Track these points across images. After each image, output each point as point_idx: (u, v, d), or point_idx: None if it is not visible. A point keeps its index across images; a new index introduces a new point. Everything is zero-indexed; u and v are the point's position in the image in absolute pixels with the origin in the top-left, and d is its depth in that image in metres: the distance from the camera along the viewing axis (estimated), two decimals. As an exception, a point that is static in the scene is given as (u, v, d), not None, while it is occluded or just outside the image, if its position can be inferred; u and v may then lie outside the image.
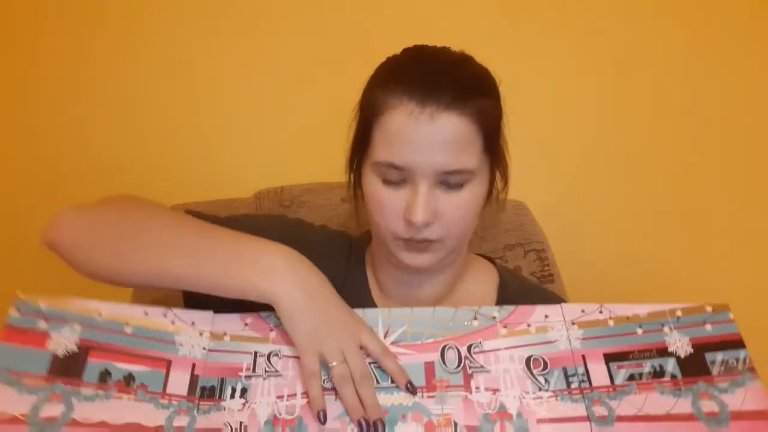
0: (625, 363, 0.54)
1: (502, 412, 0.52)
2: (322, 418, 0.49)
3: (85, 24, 1.08)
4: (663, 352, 0.54)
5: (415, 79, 0.57)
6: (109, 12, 1.09)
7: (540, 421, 0.51)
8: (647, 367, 0.54)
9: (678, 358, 0.54)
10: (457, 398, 0.52)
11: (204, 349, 0.55)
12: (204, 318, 0.57)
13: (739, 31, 1.09)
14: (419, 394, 0.53)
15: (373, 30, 1.08)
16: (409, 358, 0.55)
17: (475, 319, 0.58)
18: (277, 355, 0.55)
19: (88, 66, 1.11)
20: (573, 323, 0.58)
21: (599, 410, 0.52)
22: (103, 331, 0.51)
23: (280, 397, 0.52)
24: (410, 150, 0.57)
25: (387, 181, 0.60)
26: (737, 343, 0.54)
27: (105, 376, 0.49)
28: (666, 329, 0.56)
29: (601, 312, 0.58)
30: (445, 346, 0.56)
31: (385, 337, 0.56)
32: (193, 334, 0.55)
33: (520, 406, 0.52)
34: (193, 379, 0.53)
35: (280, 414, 0.51)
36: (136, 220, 0.60)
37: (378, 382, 0.53)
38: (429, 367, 0.55)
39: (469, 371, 0.54)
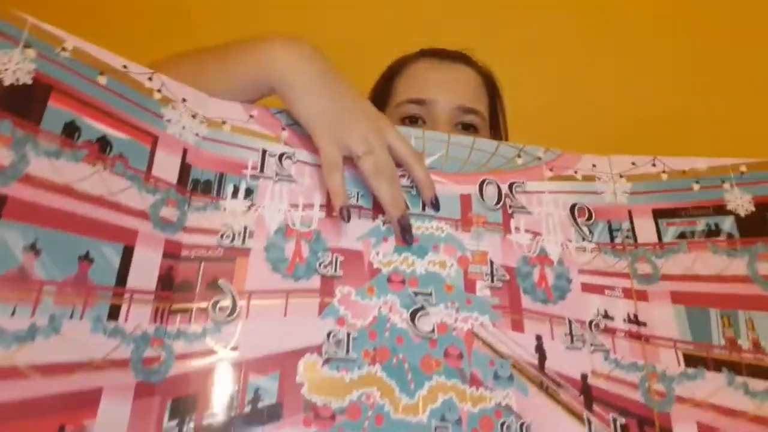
0: (676, 220, 0.50)
1: (543, 257, 0.46)
2: (345, 214, 0.41)
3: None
4: (720, 209, 0.50)
5: (430, 50, 0.69)
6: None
7: (582, 271, 0.46)
8: (701, 225, 0.49)
9: (737, 216, 0.49)
10: (495, 236, 0.46)
11: (197, 135, 0.43)
12: (198, 98, 0.45)
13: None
14: (453, 227, 0.46)
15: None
16: (443, 187, 0.47)
17: (519, 156, 0.50)
18: (290, 158, 0.45)
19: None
20: (621, 176, 0.52)
21: (643, 267, 0.48)
22: (69, 71, 0.38)
23: (294, 206, 0.43)
24: (432, 86, 0.63)
25: (405, 120, 0.63)
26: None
27: (72, 131, 0.36)
28: (726, 185, 0.50)
29: (654, 165, 0.53)
30: (484, 180, 0.48)
31: (417, 159, 0.48)
32: (184, 113, 0.43)
33: (562, 253, 0.47)
34: (185, 167, 0.42)
35: (294, 224, 0.43)
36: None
37: (407, 207, 0.45)
38: (465, 200, 0.47)
39: (510, 210, 0.48)
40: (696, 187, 0.50)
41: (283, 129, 0.46)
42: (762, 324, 0.44)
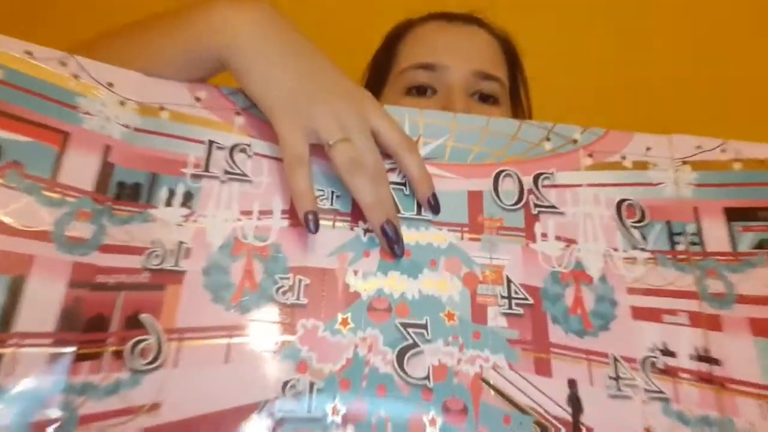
0: (754, 224, 0.38)
1: (579, 272, 0.35)
2: (312, 223, 0.32)
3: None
4: None
5: (439, 13, 0.58)
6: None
7: (632, 291, 0.35)
8: None
9: None
10: (514, 246, 0.35)
11: (126, 127, 0.34)
12: (129, 80, 0.36)
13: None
14: (458, 235, 0.35)
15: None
16: (446, 183, 0.37)
17: (548, 139, 0.39)
18: (244, 150, 0.36)
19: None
20: (684, 162, 0.40)
21: (715, 285, 0.36)
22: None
23: (247, 214, 0.34)
24: (443, 49, 0.52)
25: (411, 91, 0.52)
26: None
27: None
28: None
29: (723, 150, 0.40)
30: (501, 172, 0.37)
31: (412, 147, 0.37)
32: (109, 101, 0.34)
33: (605, 266, 0.36)
34: (106, 168, 0.33)
35: (245, 237, 0.33)
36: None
37: (399, 211, 0.35)
38: (475, 198, 0.36)
39: (534, 211, 0.36)
40: None
41: (238, 114, 0.37)
42: None
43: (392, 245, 0.33)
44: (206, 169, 0.34)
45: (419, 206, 0.35)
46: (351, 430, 0.29)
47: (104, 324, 0.30)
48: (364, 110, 0.34)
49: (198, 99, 0.37)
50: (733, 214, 0.38)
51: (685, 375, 0.33)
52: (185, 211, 0.33)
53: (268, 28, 0.34)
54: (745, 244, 0.37)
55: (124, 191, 0.33)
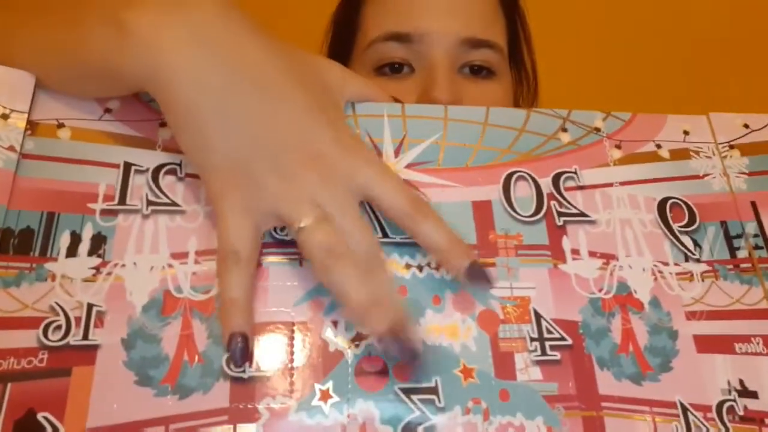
0: (830, 219, 0.31)
1: (625, 296, 0.28)
2: (238, 351, 0.23)
3: None
4: None
5: None
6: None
7: (690, 315, 0.28)
8: None
9: None
10: (539, 269, 0.28)
11: (12, 150, 0.26)
12: (16, 86, 0.27)
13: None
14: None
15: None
16: (444, 193, 0.29)
17: (564, 130, 0.32)
18: (174, 172, 0.28)
19: None
20: (731, 146, 0.33)
21: (791, 298, 0.29)
22: None
23: (180, 257, 0.26)
24: (419, 10, 0.42)
25: (383, 70, 0.43)
26: None
27: None
28: None
29: (776, 130, 0.34)
30: (512, 174, 0.30)
31: (396, 156, 0.30)
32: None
33: (656, 287, 0.28)
34: (-15, 211, 0.25)
35: (180, 290, 0.25)
36: None
37: (387, 235, 0.28)
38: (482, 210, 0.29)
39: (559, 221, 0.29)
40: None
41: (163, 125, 0.29)
42: None
43: (414, 364, 0.24)
44: (122, 202, 0.26)
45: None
46: None
47: (-18, 434, 0.21)
48: (349, 174, 0.25)
49: (108, 110, 0.28)
50: (802, 207, 0.32)
51: (772, 421, 0.26)
52: (95, 261, 0.25)
53: (208, 48, 0.23)
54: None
55: (12, 241, 0.25)
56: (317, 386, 0.24)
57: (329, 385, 0.24)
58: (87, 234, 0.25)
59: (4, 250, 0.25)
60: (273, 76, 0.24)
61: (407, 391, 0.24)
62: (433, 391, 0.25)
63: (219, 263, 0.24)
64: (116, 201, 0.26)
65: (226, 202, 0.24)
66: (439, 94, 0.39)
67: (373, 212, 0.28)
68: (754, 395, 0.27)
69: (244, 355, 0.23)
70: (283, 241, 0.27)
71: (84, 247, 0.25)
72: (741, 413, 0.26)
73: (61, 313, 0.24)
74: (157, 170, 0.27)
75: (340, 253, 0.23)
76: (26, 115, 0.27)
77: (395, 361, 0.24)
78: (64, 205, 0.26)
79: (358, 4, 0.47)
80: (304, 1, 0.59)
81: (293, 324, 0.25)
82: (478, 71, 0.43)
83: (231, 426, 0.23)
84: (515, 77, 0.49)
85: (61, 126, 0.28)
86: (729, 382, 0.27)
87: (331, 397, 0.24)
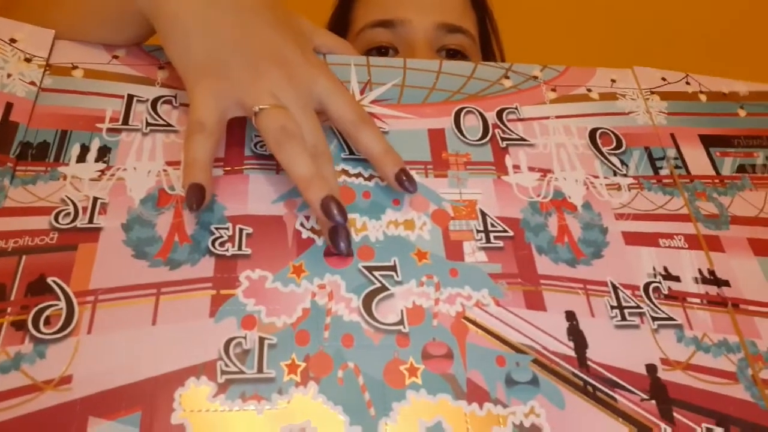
0: (730, 150, 0.37)
1: (560, 201, 0.33)
2: (194, 198, 0.27)
3: None
4: None
5: None
6: None
7: (619, 216, 0.33)
8: (761, 158, 0.37)
9: None
10: (485, 179, 0.33)
11: (33, 85, 0.31)
12: (37, 37, 0.33)
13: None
14: (423, 174, 0.32)
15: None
16: (403, 123, 0.34)
17: (507, 78, 0.38)
18: (169, 102, 0.33)
19: None
20: (652, 92, 0.39)
21: (706, 207, 0.34)
22: None
23: (174, 164, 0.31)
24: (402, 2, 0.49)
25: (372, 52, 0.49)
26: None
27: None
28: None
29: (688, 83, 0.40)
30: (461, 110, 0.36)
31: (362, 94, 0.35)
32: (11, 58, 0.32)
33: (588, 194, 0.33)
34: (8, 128, 0.30)
35: (173, 188, 0.30)
36: None
37: (351, 153, 0.33)
38: (436, 136, 0.34)
39: (502, 144, 0.34)
40: (742, 112, 0.39)
41: (161, 68, 0.34)
42: None
43: (337, 235, 0.28)
44: (125, 122, 0.31)
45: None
46: (314, 388, 0.25)
47: (2, 293, 0.25)
48: (308, 81, 0.30)
49: (116, 57, 0.34)
50: (709, 141, 0.37)
51: (693, 299, 0.31)
52: (100, 165, 0.30)
53: None
54: (726, 168, 0.36)
55: (30, 151, 0.30)
56: (291, 262, 0.28)
57: (302, 262, 0.28)
58: (94, 146, 0.30)
59: (23, 158, 0.29)
60: (251, 2, 0.30)
61: (369, 269, 0.29)
62: (392, 268, 0.29)
63: (186, 134, 0.28)
64: (120, 122, 0.31)
65: (198, 86, 0.28)
66: None
67: (339, 135, 0.33)
68: (677, 279, 0.31)
69: (200, 201, 0.26)
70: (262, 155, 0.32)
71: (91, 155, 0.30)
72: (666, 292, 0.30)
73: (70, 204, 0.28)
74: (155, 100, 0.32)
75: (292, 132, 0.28)
76: (45, 60, 0.32)
77: (336, 235, 0.28)
78: (75, 125, 0.31)
79: (350, 2, 0.54)
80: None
81: (271, 218, 0.29)
82: (453, 54, 0.49)
83: (215, 291, 0.27)
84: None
85: (75, 67, 0.33)
86: (654, 268, 0.31)
87: (303, 272, 0.28)
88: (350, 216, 0.30)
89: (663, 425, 0.26)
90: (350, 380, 0.25)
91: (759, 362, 0.29)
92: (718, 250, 0.33)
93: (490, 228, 0.31)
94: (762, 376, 0.29)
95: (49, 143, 0.30)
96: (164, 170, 0.30)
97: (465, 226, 0.31)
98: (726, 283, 0.31)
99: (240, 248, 0.28)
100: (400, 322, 0.27)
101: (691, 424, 0.27)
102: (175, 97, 0.33)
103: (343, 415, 0.24)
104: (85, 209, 0.28)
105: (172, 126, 0.32)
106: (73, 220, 0.28)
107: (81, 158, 0.30)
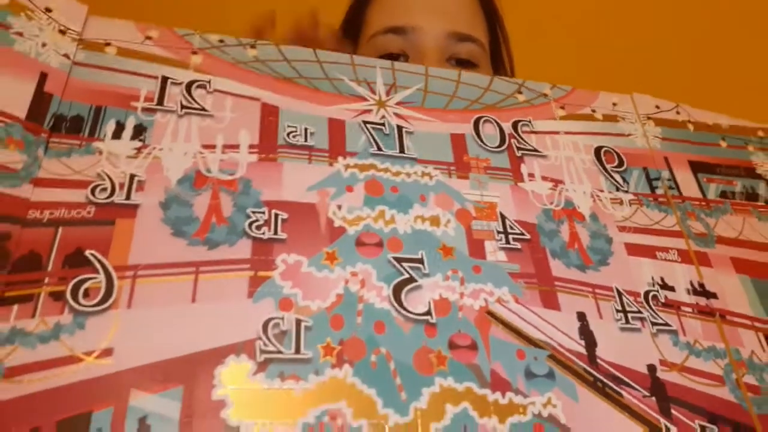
0: (715, 177, 0.40)
1: (570, 210, 0.35)
2: None
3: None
4: (751, 172, 0.42)
5: None
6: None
7: (622, 229, 0.35)
8: (738, 186, 0.41)
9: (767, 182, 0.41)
10: (503, 184, 0.35)
11: (66, 57, 0.31)
12: (71, 10, 0.33)
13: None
14: (446, 173, 0.34)
15: None
16: (427, 125, 0.36)
17: (520, 92, 0.40)
18: (204, 87, 0.33)
19: None
20: (648, 118, 0.42)
21: (696, 226, 0.37)
22: None
23: (210, 148, 0.31)
24: (414, 9, 0.50)
25: (383, 57, 0.48)
26: None
27: None
28: (750, 148, 0.43)
29: (678, 113, 0.44)
30: (480, 118, 0.37)
31: (387, 95, 0.37)
32: (47, 27, 0.31)
33: (594, 206, 0.36)
34: (42, 98, 0.29)
35: (209, 170, 0.30)
36: None
37: (380, 149, 0.34)
38: (458, 140, 0.36)
39: (518, 153, 0.37)
40: (723, 144, 0.43)
41: (195, 53, 0.35)
42: None
43: None
44: (160, 103, 0.32)
45: (401, 146, 0.34)
46: (348, 370, 0.26)
47: (38, 263, 0.25)
48: None
49: (149, 38, 0.34)
50: (697, 167, 0.41)
51: (686, 308, 0.33)
52: (137, 143, 0.30)
53: None
54: (711, 192, 0.40)
55: (64, 123, 0.29)
56: (325, 248, 0.29)
57: (335, 249, 0.29)
58: (130, 124, 0.30)
59: (57, 130, 0.29)
60: None
61: (398, 260, 0.30)
62: (420, 261, 0.30)
63: None
64: (155, 102, 0.31)
65: None
66: None
67: (368, 131, 0.34)
68: (672, 289, 0.34)
69: None
70: (294, 144, 0.32)
71: (127, 132, 0.30)
72: (662, 300, 0.33)
73: (106, 179, 0.28)
74: (189, 84, 0.33)
75: None
76: (79, 34, 0.32)
77: None
78: (109, 101, 0.31)
79: (363, 8, 0.55)
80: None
81: (304, 204, 0.30)
82: (463, 63, 0.50)
83: (253, 272, 0.27)
84: (495, 72, 0.57)
85: (108, 44, 0.33)
86: (653, 278, 0.34)
87: (336, 259, 0.29)
88: (379, 208, 0.31)
89: (664, 421, 0.29)
90: (382, 365, 0.26)
91: (742, 368, 0.32)
92: (706, 265, 0.36)
93: (509, 230, 0.33)
94: (744, 380, 0.32)
95: (84, 117, 0.30)
96: (200, 153, 0.30)
97: (486, 226, 0.33)
98: (714, 296, 0.34)
99: (276, 232, 0.29)
100: (428, 313, 0.28)
101: (687, 420, 0.29)
102: (209, 82, 0.33)
103: (376, 397, 0.25)
104: (122, 185, 0.28)
105: (207, 111, 0.32)
106: (110, 195, 0.28)
107: (116, 135, 0.30)
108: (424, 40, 0.49)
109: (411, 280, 0.29)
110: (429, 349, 0.27)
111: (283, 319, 0.26)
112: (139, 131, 0.30)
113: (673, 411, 0.29)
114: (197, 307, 0.26)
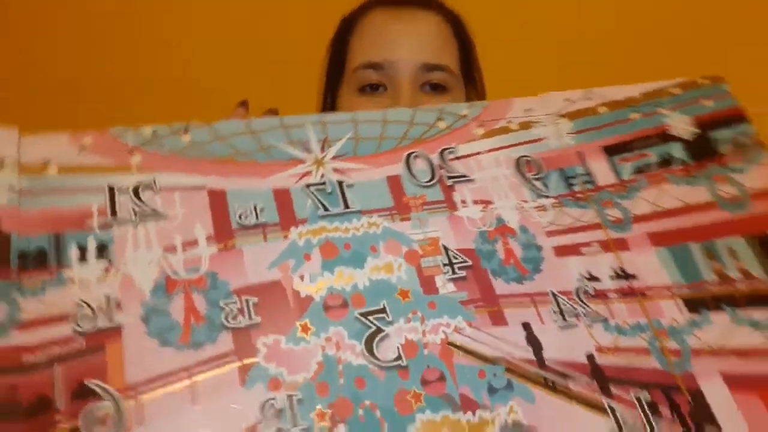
0: (629, 154, 0.46)
1: (502, 227, 0.40)
2: None
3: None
4: (666, 137, 0.47)
5: None
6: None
7: (549, 233, 0.40)
8: (653, 156, 0.46)
9: (683, 141, 0.46)
10: (440, 217, 0.39)
11: (12, 191, 0.32)
12: (6, 139, 0.34)
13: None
14: (389, 219, 0.38)
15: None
16: (364, 174, 0.39)
17: (441, 119, 0.44)
18: (150, 187, 0.35)
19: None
20: (560, 115, 0.47)
21: (612, 213, 0.43)
22: None
23: (171, 249, 0.33)
24: (390, 45, 0.57)
25: (364, 89, 0.58)
26: (740, 118, 0.48)
27: None
28: (663, 110, 0.48)
29: (589, 98, 0.48)
30: (410, 155, 0.41)
31: (322, 150, 0.39)
32: (-18, 168, 0.32)
33: (522, 218, 0.40)
34: (2, 240, 0.31)
35: (177, 273, 0.33)
36: None
37: (327, 209, 0.37)
38: (394, 182, 0.40)
39: (449, 183, 0.41)
40: (635, 116, 0.47)
41: (132, 152, 0.36)
42: (741, 249, 0.42)
43: None
44: (114, 215, 0.34)
45: (345, 202, 0.37)
46: (343, 429, 0.30)
47: (49, 405, 0.28)
48: None
49: (83, 147, 0.35)
50: (611, 150, 0.46)
51: (612, 294, 0.39)
52: (103, 263, 0.32)
53: None
54: (627, 172, 0.45)
55: (29, 259, 0.31)
56: (297, 323, 0.33)
57: (306, 320, 0.33)
58: (91, 245, 0.32)
59: (23, 267, 0.31)
60: None
61: (364, 315, 0.34)
62: (383, 311, 0.34)
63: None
64: (109, 216, 0.33)
65: None
66: (402, 104, 0.53)
67: (313, 195, 0.37)
68: (597, 280, 0.39)
69: None
70: (246, 225, 0.35)
71: (91, 254, 0.32)
72: (591, 293, 0.39)
73: (85, 306, 0.30)
74: (136, 189, 0.35)
75: None
76: (17, 160, 0.33)
77: None
78: (65, 226, 0.33)
79: (345, 41, 0.62)
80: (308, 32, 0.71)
81: (270, 283, 0.34)
82: (435, 88, 0.57)
83: (239, 362, 0.31)
84: (467, 93, 0.63)
85: (47, 164, 0.34)
86: (580, 273, 0.39)
87: (310, 329, 0.33)
88: (337, 269, 0.35)
89: (605, 400, 0.35)
90: (369, 416, 0.31)
91: (663, 336, 0.38)
92: (625, 249, 0.41)
93: (453, 260, 0.37)
94: (666, 346, 0.38)
95: (46, 249, 0.32)
96: (164, 257, 0.33)
97: (433, 261, 0.37)
98: (633, 277, 0.40)
99: (250, 317, 0.32)
100: (399, 358, 0.33)
101: (624, 395, 0.35)
102: (153, 181, 0.35)
103: (370, 446, 0.30)
104: (101, 309, 0.31)
105: (159, 212, 0.34)
106: (94, 322, 0.30)
107: (82, 258, 0.32)
108: (399, 73, 0.56)
109: (379, 331, 0.33)
110: (405, 390, 0.32)
111: (275, 398, 0.30)
112: (102, 250, 0.32)
113: (612, 389, 0.35)
114: (200, 408, 0.29)
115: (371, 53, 0.57)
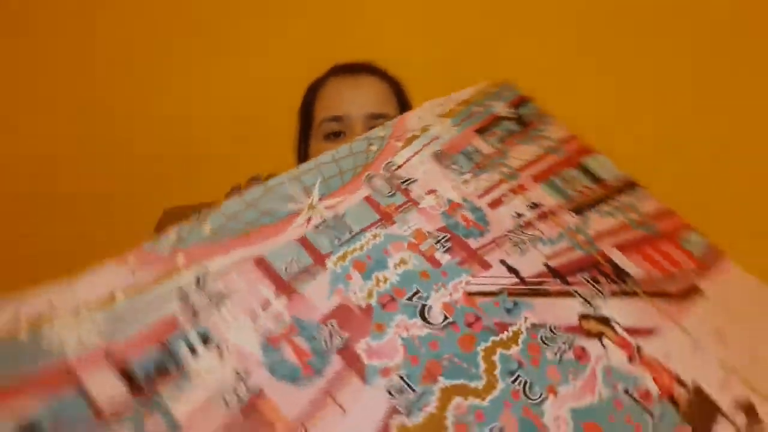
0: (489, 132, 0.62)
1: (453, 204, 0.53)
2: None
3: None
4: (501, 118, 0.65)
5: (339, 67, 0.85)
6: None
7: (480, 196, 0.55)
8: (502, 131, 0.63)
9: (510, 119, 0.65)
10: (412, 213, 0.51)
11: (97, 331, 0.36)
12: (65, 294, 0.36)
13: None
14: (382, 227, 0.49)
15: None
16: (346, 203, 0.49)
17: (371, 145, 0.55)
18: (205, 276, 0.41)
19: None
20: (440, 116, 0.62)
21: (503, 171, 0.59)
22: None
23: (253, 315, 0.40)
24: (344, 102, 0.78)
25: (329, 137, 0.78)
26: (527, 100, 0.68)
27: None
28: (490, 103, 0.66)
29: (442, 104, 0.64)
30: (368, 176, 0.52)
31: (308, 197, 0.48)
32: (68, 322, 0.35)
33: (459, 193, 0.54)
34: (123, 372, 0.34)
35: (271, 331, 0.40)
36: None
37: (339, 238, 0.46)
38: (370, 200, 0.50)
39: (403, 186, 0.53)
40: (480, 109, 0.64)
41: (173, 255, 0.41)
42: (576, 175, 0.62)
43: None
44: (195, 315, 0.39)
45: (348, 228, 0.47)
46: (441, 380, 0.41)
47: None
48: None
49: (134, 272, 0.39)
50: (480, 131, 0.62)
51: (535, 221, 0.55)
52: (214, 349, 0.37)
53: None
54: (495, 143, 0.61)
55: (151, 375, 0.35)
56: (371, 325, 0.42)
57: (376, 321, 0.42)
58: (194, 338, 0.37)
59: (152, 383, 0.35)
60: None
61: (408, 299, 0.44)
62: (418, 293, 0.45)
63: None
64: (191, 316, 0.38)
65: None
66: None
67: (323, 232, 0.46)
68: (523, 215, 0.55)
69: None
70: (294, 273, 0.43)
71: (199, 347, 0.37)
72: (523, 224, 0.54)
73: (225, 392, 0.36)
74: (197, 281, 0.40)
75: None
76: (83, 304, 0.36)
77: None
78: (162, 335, 0.37)
79: (312, 103, 0.84)
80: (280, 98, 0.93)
81: (336, 308, 0.42)
82: None
83: (353, 368, 0.39)
84: None
85: (113, 295, 0.38)
86: (511, 215, 0.55)
87: (381, 326, 0.42)
88: (373, 276, 0.45)
89: (570, 288, 0.51)
90: (452, 364, 0.42)
91: (573, 235, 0.56)
92: (525, 190, 0.58)
93: (437, 239, 0.49)
94: (579, 240, 0.56)
95: (161, 360, 0.36)
96: (255, 322, 0.39)
97: (427, 245, 0.49)
98: (540, 205, 0.57)
99: (340, 336, 0.41)
100: (445, 318, 0.44)
101: (576, 279, 0.51)
102: (206, 270, 0.41)
103: (464, 380, 0.41)
104: (235, 388, 0.36)
105: (224, 293, 0.40)
106: (237, 399, 0.36)
107: (193, 353, 0.37)
108: (353, 121, 0.77)
109: (424, 306, 0.44)
110: (463, 336, 0.44)
111: (392, 382, 0.40)
112: (205, 339, 0.38)
113: (568, 279, 0.51)
114: (350, 414, 0.37)
115: (332, 109, 0.79)
